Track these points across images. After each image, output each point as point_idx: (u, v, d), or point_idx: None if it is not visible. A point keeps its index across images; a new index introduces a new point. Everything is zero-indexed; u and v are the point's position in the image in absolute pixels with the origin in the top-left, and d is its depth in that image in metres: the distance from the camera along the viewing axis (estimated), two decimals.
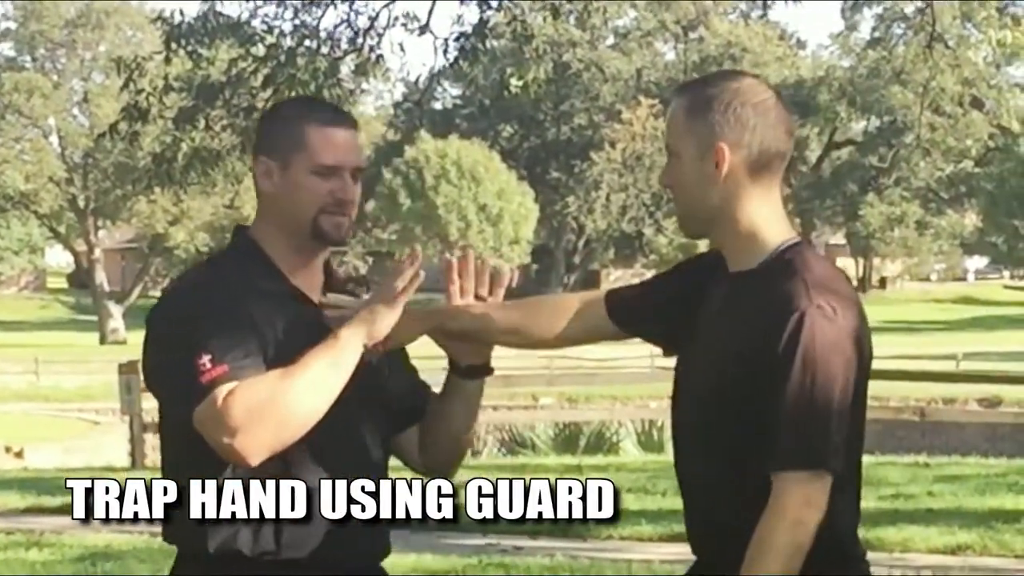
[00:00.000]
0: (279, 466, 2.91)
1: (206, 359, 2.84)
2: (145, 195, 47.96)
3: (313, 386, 2.84)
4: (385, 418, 3.13)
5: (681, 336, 2.99)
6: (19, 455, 24.39)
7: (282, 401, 2.81)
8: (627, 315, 3.08)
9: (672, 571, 8.66)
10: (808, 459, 2.70)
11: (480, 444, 21.26)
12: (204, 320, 2.90)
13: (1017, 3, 18.13)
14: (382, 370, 3.11)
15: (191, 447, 2.91)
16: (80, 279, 71.96)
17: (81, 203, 60.98)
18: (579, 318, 3.09)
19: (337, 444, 2.98)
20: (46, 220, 64.40)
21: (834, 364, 2.72)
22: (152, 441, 23.19)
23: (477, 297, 3.13)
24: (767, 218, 2.84)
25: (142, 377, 3.07)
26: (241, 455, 2.81)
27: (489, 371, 3.21)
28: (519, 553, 9.30)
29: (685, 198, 2.88)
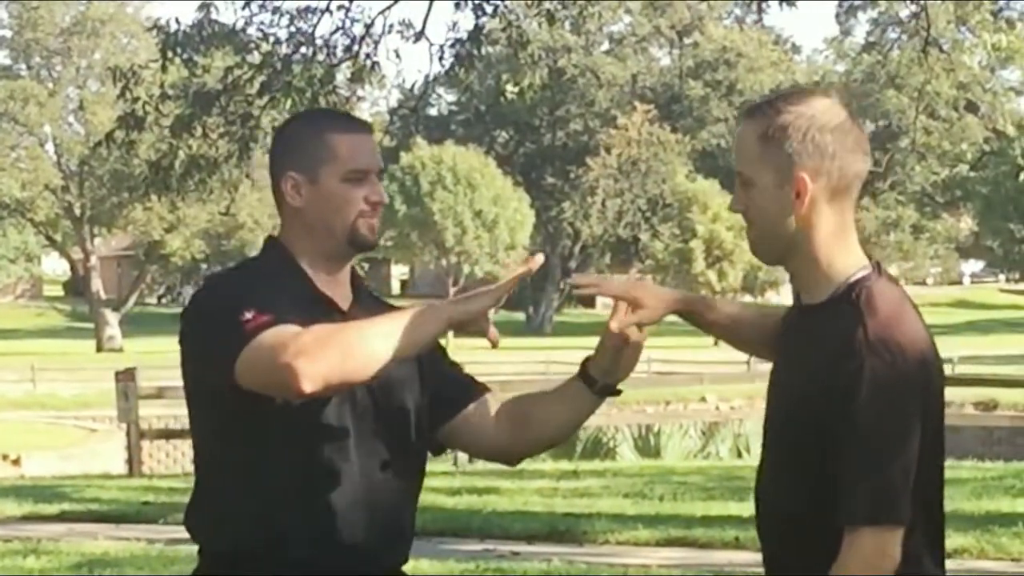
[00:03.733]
0: (292, 469, 2.95)
1: (248, 314, 2.84)
2: (141, 203, 47.88)
3: (385, 335, 2.81)
4: (408, 424, 3.12)
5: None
6: (16, 463, 24.40)
7: (352, 338, 2.80)
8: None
9: (669, 575, 8.65)
10: (877, 514, 2.68)
11: None
12: (243, 297, 2.90)
13: (1011, 7, 18.16)
14: (408, 382, 3.13)
15: (225, 444, 2.99)
16: (76, 287, 71.93)
17: (77, 211, 60.91)
18: (773, 332, 3.09)
19: (348, 454, 3.00)
20: (42, 228, 64.44)
21: (896, 412, 2.69)
22: (148, 449, 23.21)
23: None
24: (841, 247, 2.81)
25: (182, 384, 3.05)
26: (297, 377, 2.73)
27: (619, 392, 3.24)
28: (516, 558, 9.30)
29: (762, 227, 2.84)
